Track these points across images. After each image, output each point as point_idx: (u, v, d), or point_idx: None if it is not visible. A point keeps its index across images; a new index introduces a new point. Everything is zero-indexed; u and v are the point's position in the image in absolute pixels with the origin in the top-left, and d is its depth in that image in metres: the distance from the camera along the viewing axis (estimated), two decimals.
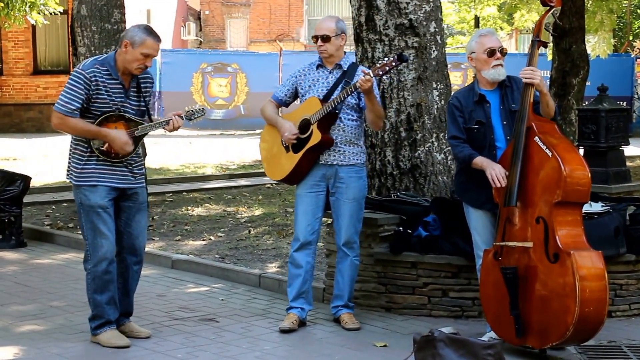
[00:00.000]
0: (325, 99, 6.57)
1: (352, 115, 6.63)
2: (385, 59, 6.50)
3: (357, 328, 6.60)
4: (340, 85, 6.59)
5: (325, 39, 6.60)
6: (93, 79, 6.01)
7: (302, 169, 6.63)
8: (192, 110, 6.39)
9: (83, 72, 6.03)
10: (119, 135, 6.07)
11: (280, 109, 6.92)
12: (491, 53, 6.10)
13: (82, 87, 6.01)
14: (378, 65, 6.40)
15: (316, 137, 6.52)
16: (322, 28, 6.64)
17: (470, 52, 6.22)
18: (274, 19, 41.68)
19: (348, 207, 6.63)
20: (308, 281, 6.73)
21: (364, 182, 6.76)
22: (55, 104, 6.08)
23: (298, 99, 6.88)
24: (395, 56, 6.40)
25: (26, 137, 22.98)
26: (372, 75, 6.31)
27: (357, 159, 6.67)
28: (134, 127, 6.14)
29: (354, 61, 6.75)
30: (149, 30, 6.12)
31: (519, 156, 5.78)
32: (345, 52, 6.76)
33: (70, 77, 6.09)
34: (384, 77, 6.60)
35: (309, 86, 6.72)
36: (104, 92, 6.06)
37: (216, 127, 26.51)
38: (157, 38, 6.13)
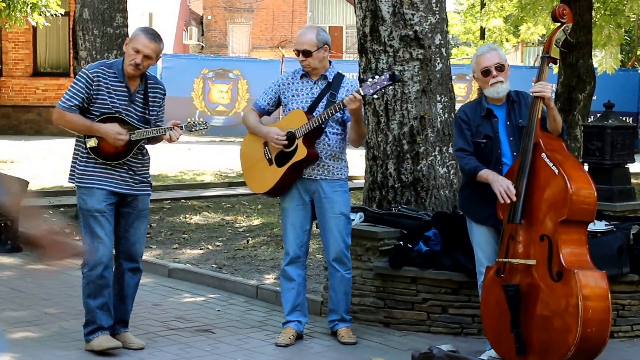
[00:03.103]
0: (309, 111, 6.45)
1: (337, 129, 6.52)
2: (377, 77, 6.31)
3: (353, 343, 6.52)
4: (325, 97, 6.47)
5: (306, 53, 6.47)
6: (95, 78, 6.06)
7: (286, 183, 6.51)
8: (193, 122, 6.30)
9: (86, 72, 6.12)
10: (111, 127, 6.04)
11: (262, 117, 6.75)
12: (486, 73, 6.03)
13: (84, 85, 6.07)
14: (368, 82, 6.23)
15: (302, 152, 6.38)
16: (302, 42, 6.48)
17: (472, 71, 6.18)
18: (277, 25, 41.66)
19: (335, 222, 6.51)
20: (302, 293, 6.66)
21: (349, 197, 6.65)
22: (58, 101, 6.14)
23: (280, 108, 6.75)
24: (387, 75, 6.23)
25: (24, 139, 22.90)
26: (362, 94, 6.18)
27: (340, 174, 6.56)
28: (131, 131, 6.09)
29: (339, 72, 6.63)
30: (147, 30, 6.15)
31: (525, 172, 5.71)
32: (330, 62, 6.62)
33: (76, 76, 6.20)
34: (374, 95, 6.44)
35: (292, 96, 6.58)
36: (105, 92, 6.06)
37: (216, 133, 26.39)
38: (151, 37, 6.07)
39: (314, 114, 6.41)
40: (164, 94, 6.33)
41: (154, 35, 6.10)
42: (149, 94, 6.20)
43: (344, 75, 6.66)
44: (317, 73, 6.54)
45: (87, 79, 6.06)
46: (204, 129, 6.37)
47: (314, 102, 6.50)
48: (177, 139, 6.15)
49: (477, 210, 6.11)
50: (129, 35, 6.22)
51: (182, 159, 19.66)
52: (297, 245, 6.59)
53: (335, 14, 43.42)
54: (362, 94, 6.18)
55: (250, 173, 6.77)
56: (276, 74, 26.98)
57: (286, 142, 6.43)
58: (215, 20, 42.27)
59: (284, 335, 6.51)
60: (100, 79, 6.05)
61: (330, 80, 6.53)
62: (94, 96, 6.06)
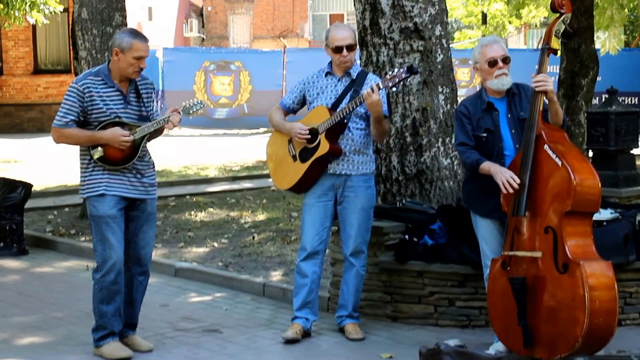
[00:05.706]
0: (333, 107, 6.49)
1: (361, 124, 6.54)
2: (395, 70, 6.37)
3: (360, 338, 6.53)
4: (349, 94, 6.50)
5: (351, 47, 6.51)
6: (86, 90, 6.06)
7: (310, 179, 6.54)
8: (189, 104, 6.33)
9: (75, 85, 6.11)
10: (112, 132, 6.06)
11: (287, 116, 6.81)
12: (492, 63, 6.01)
13: (76, 100, 6.07)
14: (387, 76, 6.31)
15: (324, 147, 6.42)
16: (345, 37, 6.52)
17: (475, 62, 6.15)
18: (278, 15, 41.63)
19: (356, 216, 6.54)
20: (314, 291, 6.65)
21: (373, 192, 6.67)
22: (54, 121, 6.17)
23: (306, 106, 6.80)
24: (405, 68, 6.28)
25: (27, 137, 22.91)
26: (381, 87, 6.22)
27: (366, 168, 6.58)
28: (133, 130, 6.10)
29: (363, 69, 6.67)
30: (134, 33, 6.16)
31: (528, 165, 5.69)
32: (355, 60, 6.69)
33: (66, 92, 6.16)
34: (393, 88, 6.51)
35: (317, 94, 6.63)
36: (99, 101, 6.07)
37: (219, 126, 26.39)
38: (143, 39, 6.14)
39: (338, 110, 6.45)
40: (153, 87, 6.40)
41: (144, 37, 6.16)
42: (141, 91, 6.24)
43: (368, 72, 6.73)
44: (343, 69, 6.59)
45: (78, 92, 6.06)
46: (201, 107, 6.40)
47: (337, 98, 6.54)
48: (178, 122, 6.17)
49: (481, 203, 6.10)
50: (116, 45, 6.08)
51: (186, 152, 19.65)
52: (317, 242, 6.59)
53: (336, 1, 43.35)
54: (381, 87, 6.23)
55: (275, 170, 6.83)
56: (278, 64, 27.02)
57: (309, 137, 6.47)
58: (215, 12, 42.25)
59: (290, 330, 6.53)
60: (91, 89, 6.06)
61: (354, 77, 6.57)
62: (89, 108, 6.06)
